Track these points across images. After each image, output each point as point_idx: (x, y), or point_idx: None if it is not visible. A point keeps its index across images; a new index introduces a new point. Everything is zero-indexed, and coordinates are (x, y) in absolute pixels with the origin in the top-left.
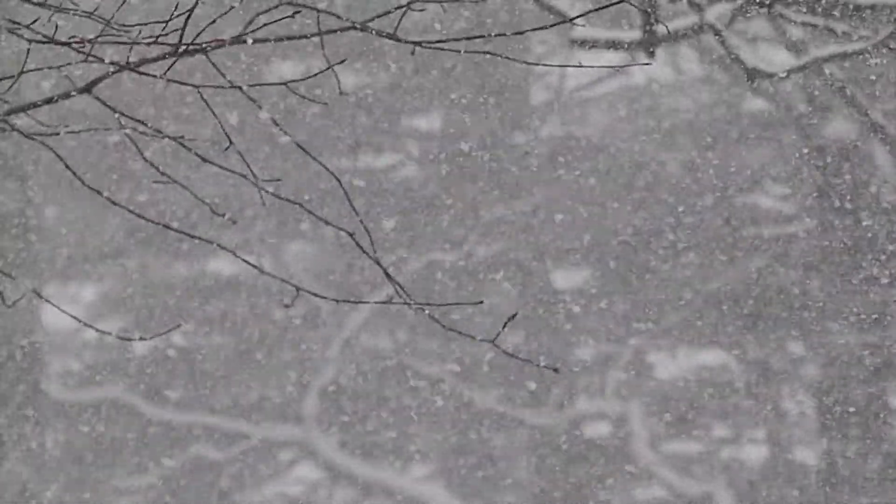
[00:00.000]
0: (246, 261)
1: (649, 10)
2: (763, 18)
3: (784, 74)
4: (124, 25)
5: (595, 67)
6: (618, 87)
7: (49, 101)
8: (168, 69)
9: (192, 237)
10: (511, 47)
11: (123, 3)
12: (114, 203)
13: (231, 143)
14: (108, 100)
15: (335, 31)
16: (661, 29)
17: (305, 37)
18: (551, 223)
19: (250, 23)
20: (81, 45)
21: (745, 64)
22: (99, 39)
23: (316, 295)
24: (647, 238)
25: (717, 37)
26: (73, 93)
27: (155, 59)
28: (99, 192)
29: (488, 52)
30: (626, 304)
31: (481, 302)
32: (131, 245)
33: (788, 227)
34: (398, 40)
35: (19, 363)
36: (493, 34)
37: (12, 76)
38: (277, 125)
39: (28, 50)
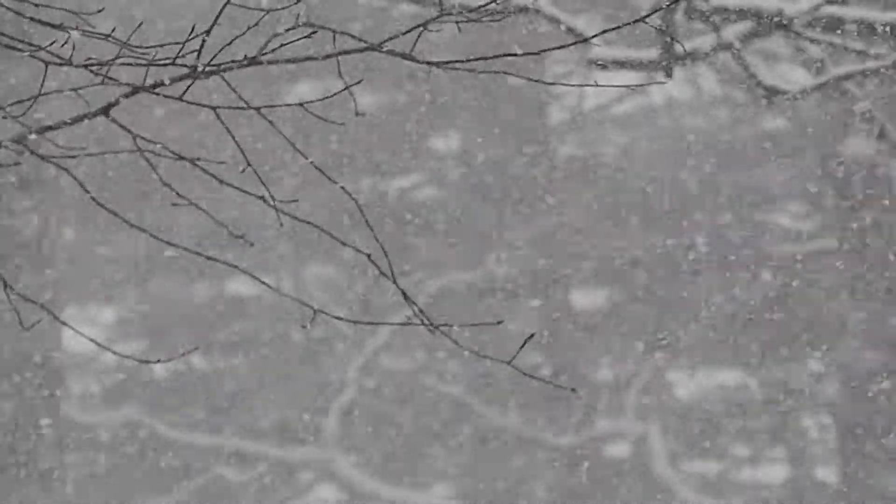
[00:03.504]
0: (265, 283)
1: (667, 29)
2: (781, 37)
3: (802, 93)
4: (141, 47)
5: (613, 87)
6: (636, 107)
7: (66, 123)
8: (185, 91)
9: (211, 259)
10: (529, 68)
11: (140, 25)
12: (132, 225)
13: (249, 164)
14: (127, 121)
15: (352, 52)
16: (678, 48)
17: (322, 58)
18: (570, 243)
19: (267, 44)
20: (98, 67)
21: (763, 83)
22: (116, 61)
23: (335, 317)
24: (666, 257)
25: (735, 56)
26: (90, 115)
27: (172, 81)
28: (117, 215)
29: (506, 72)
30: (646, 323)
31: (500, 322)
32: (150, 267)
33: (807, 245)
34: (415, 60)
35: (39, 385)
36: (511, 54)
37: (29, 98)
38: (294, 147)
39: (45, 72)
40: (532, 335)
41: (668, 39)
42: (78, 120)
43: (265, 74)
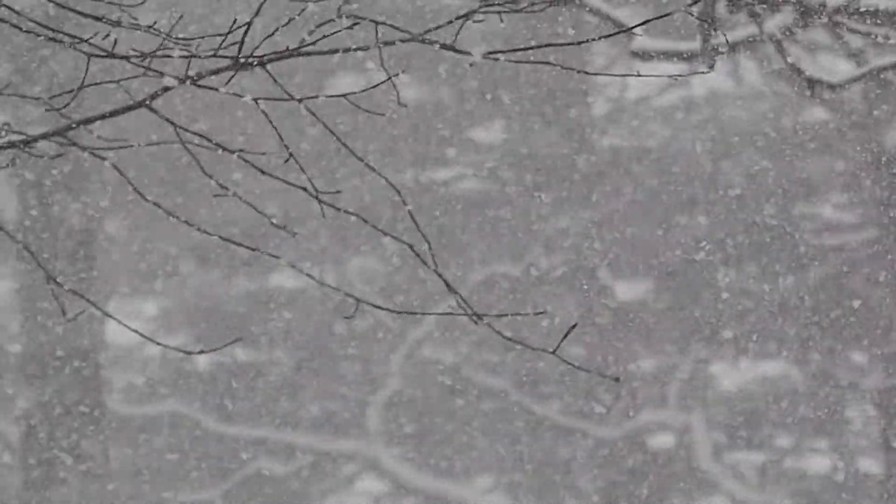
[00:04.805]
0: (308, 274)
1: (709, 20)
2: (823, 28)
3: (844, 84)
4: (183, 39)
5: (654, 77)
6: (678, 98)
7: (108, 115)
8: (227, 82)
9: (254, 250)
10: (572, 59)
11: (181, 17)
12: (175, 217)
13: (291, 155)
14: (168, 113)
15: (394, 42)
16: (720, 39)
17: (364, 48)
18: (612, 234)
19: (309, 35)
20: (140, 59)
21: (804, 74)
22: (157, 53)
23: (378, 307)
24: (709, 248)
25: (776, 47)
26: (131, 107)
27: (214, 73)
28: (160, 207)
29: (549, 63)
30: (688, 314)
31: (544, 312)
32: (193, 259)
33: (850, 236)
34: (457, 51)
35: (82, 378)
36: (553, 44)
37: (71, 91)
38: (337, 137)
39: (87, 64)
40: (574, 326)
41: (711, 30)
42: (120, 112)
43: (308, 67)
